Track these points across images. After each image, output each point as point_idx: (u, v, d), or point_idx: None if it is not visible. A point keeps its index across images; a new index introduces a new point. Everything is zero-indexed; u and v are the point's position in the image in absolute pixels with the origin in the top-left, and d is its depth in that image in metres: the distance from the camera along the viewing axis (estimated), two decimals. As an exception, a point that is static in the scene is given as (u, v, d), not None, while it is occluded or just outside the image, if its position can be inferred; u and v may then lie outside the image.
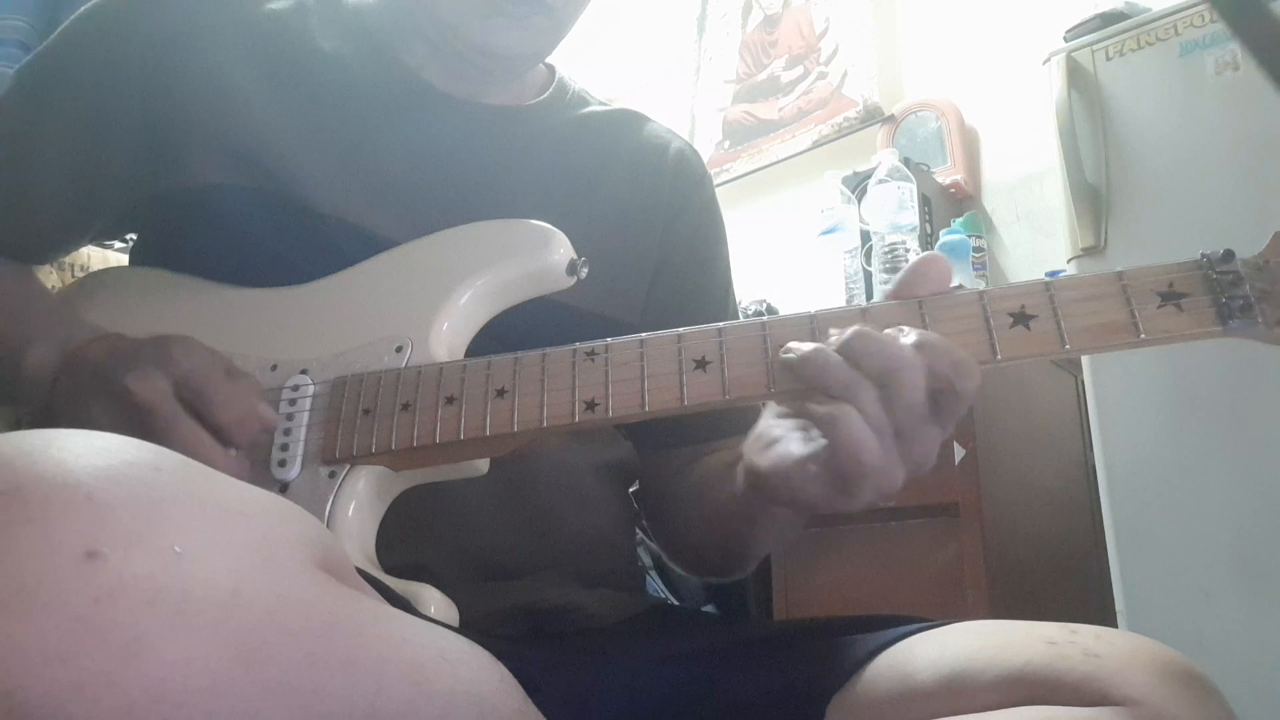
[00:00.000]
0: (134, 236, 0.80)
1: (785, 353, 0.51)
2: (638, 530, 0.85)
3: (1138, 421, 1.40)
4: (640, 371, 0.56)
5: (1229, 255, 0.50)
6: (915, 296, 0.53)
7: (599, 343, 0.58)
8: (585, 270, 0.65)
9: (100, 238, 0.82)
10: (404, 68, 0.77)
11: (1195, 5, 1.43)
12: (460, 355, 0.64)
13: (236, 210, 0.69)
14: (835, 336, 0.50)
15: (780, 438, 0.56)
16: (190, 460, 0.36)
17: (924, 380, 0.48)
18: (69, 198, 0.73)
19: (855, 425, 0.48)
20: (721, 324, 0.56)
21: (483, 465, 0.62)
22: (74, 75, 0.72)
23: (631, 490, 0.83)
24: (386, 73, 0.77)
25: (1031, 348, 0.51)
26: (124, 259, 1.18)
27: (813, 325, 0.54)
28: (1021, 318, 0.51)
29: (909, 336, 0.49)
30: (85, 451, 0.33)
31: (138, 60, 0.71)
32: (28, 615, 0.29)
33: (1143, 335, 0.49)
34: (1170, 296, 0.50)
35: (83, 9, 0.74)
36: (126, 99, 0.71)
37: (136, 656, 0.29)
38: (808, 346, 0.50)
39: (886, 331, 0.50)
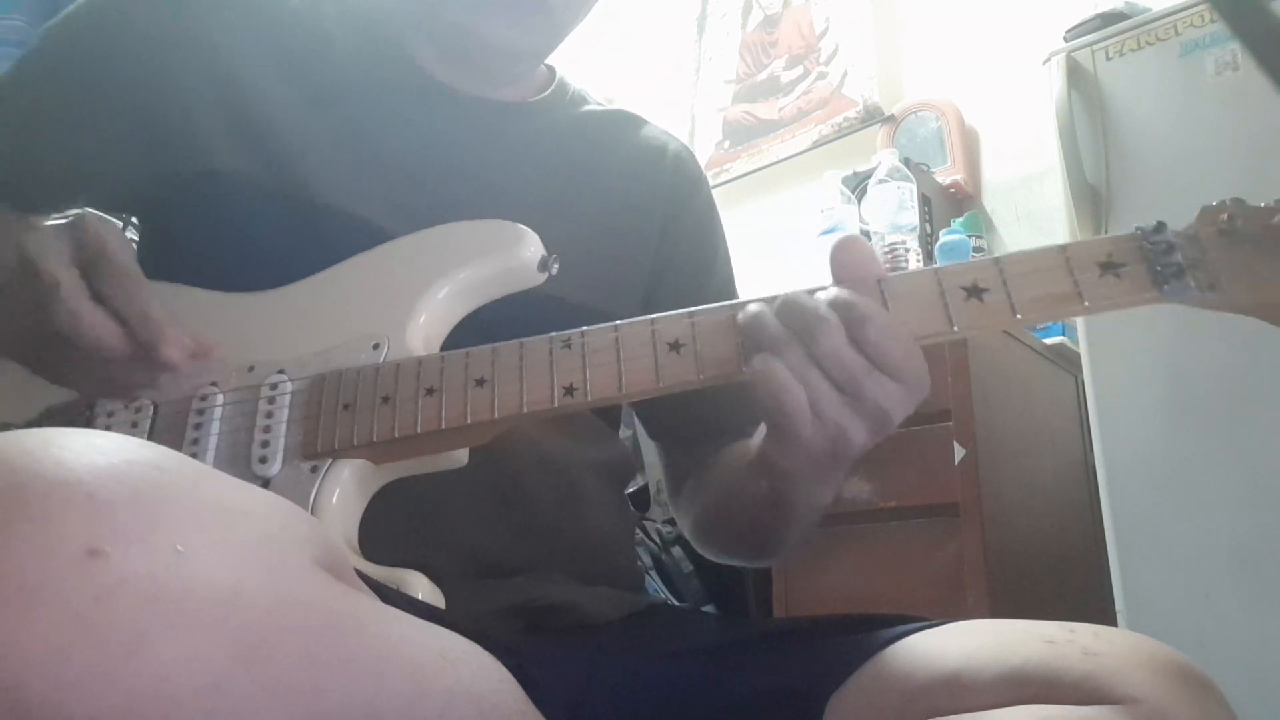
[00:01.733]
0: (134, 240, 0.81)
1: (739, 317, 0.55)
2: (637, 530, 0.85)
3: (1138, 421, 1.40)
4: (616, 356, 0.58)
5: (1160, 227, 0.54)
6: (849, 279, 0.57)
7: (574, 331, 0.59)
8: (556, 266, 0.67)
9: (100, 205, 0.83)
10: (408, 59, 0.78)
11: (1195, 5, 1.43)
12: (436, 350, 0.65)
13: (234, 196, 0.70)
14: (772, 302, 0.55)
15: None
16: (190, 459, 0.36)
17: (839, 331, 0.52)
18: (67, 166, 0.73)
19: (778, 372, 0.52)
20: (693, 308, 0.58)
21: (462, 456, 0.63)
22: (83, 48, 0.73)
23: (640, 488, 0.84)
24: (390, 64, 0.77)
25: (985, 318, 0.54)
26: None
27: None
28: (974, 291, 0.54)
29: (826, 293, 0.54)
30: (86, 450, 0.33)
31: (145, 39, 0.71)
32: (29, 613, 0.29)
33: (1086, 303, 0.53)
34: (1109, 266, 0.53)
35: None
36: (130, 76, 0.71)
37: (137, 654, 0.29)
38: (753, 308, 0.55)
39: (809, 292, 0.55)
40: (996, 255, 0.56)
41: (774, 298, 0.55)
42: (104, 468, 0.32)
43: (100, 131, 0.72)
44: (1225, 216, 0.53)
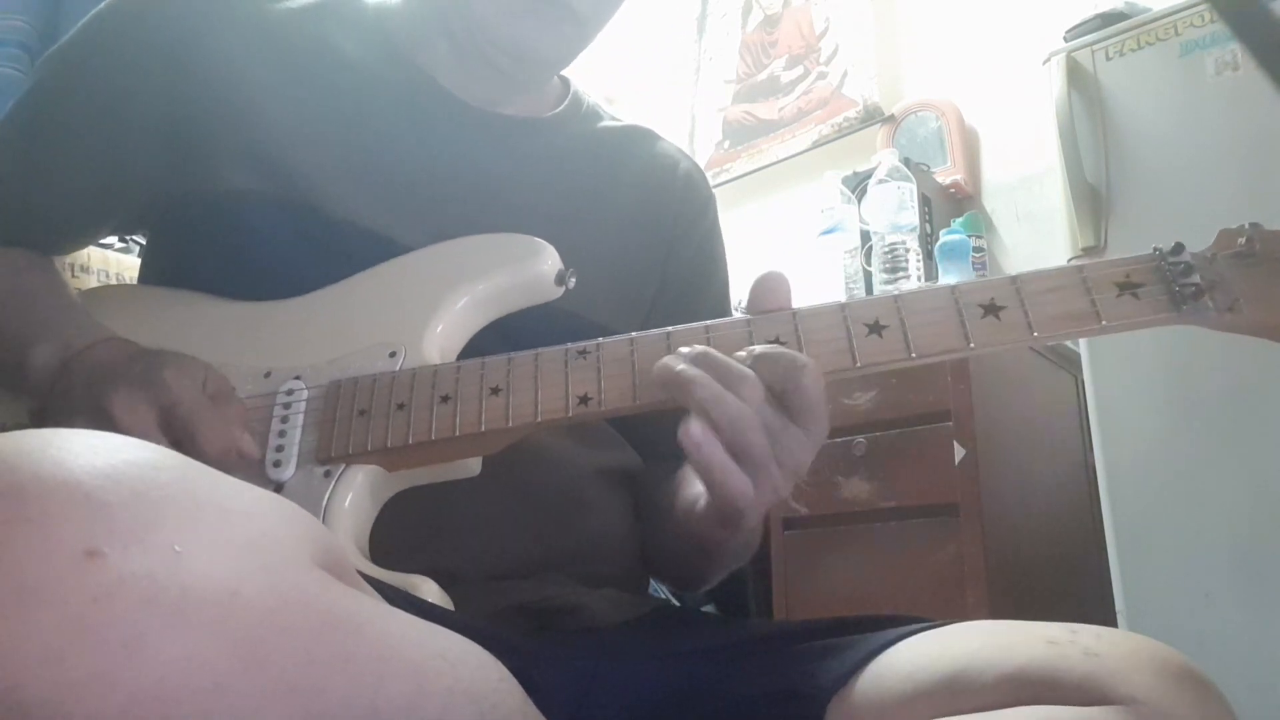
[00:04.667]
0: (144, 242, 0.81)
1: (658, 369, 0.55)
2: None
3: (1138, 421, 1.40)
4: (631, 367, 0.58)
5: (1179, 248, 0.55)
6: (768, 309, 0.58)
7: (590, 342, 0.60)
8: (573, 280, 0.67)
9: (120, 230, 0.83)
10: (422, 73, 0.78)
11: (1195, 5, 1.43)
12: (452, 360, 0.65)
13: (250, 214, 0.70)
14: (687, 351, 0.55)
15: None
16: (189, 460, 0.36)
17: (759, 387, 0.52)
18: (89, 192, 0.74)
19: (696, 429, 0.52)
20: (708, 322, 0.58)
21: (475, 465, 0.63)
22: (94, 72, 0.73)
23: None
24: (404, 77, 0.77)
25: (1002, 336, 0.54)
26: (124, 258, 1.17)
27: (795, 323, 0.56)
28: (992, 309, 0.55)
29: (757, 348, 0.54)
30: (84, 451, 0.33)
31: (157, 57, 0.71)
32: (27, 614, 0.29)
33: (1104, 322, 0.54)
34: (1127, 286, 0.54)
35: (103, 4, 0.75)
36: (145, 97, 0.71)
37: (136, 655, 0.29)
38: (676, 366, 0.54)
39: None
40: (1010, 274, 0.56)
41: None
42: (102, 468, 0.32)
43: (116, 152, 0.72)
44: (1243, 240, 0.54)
